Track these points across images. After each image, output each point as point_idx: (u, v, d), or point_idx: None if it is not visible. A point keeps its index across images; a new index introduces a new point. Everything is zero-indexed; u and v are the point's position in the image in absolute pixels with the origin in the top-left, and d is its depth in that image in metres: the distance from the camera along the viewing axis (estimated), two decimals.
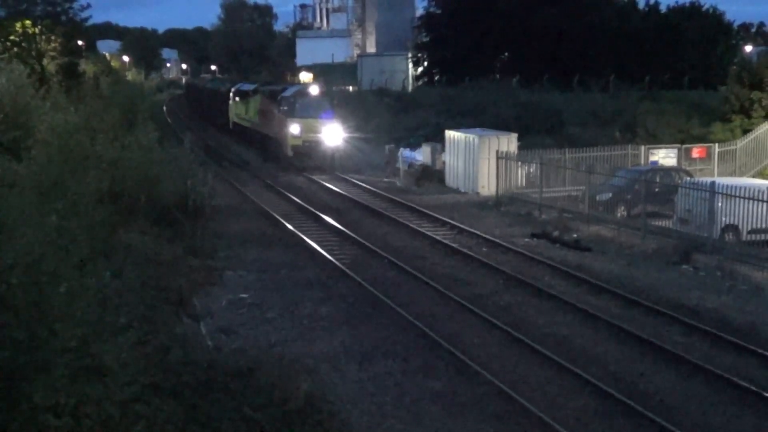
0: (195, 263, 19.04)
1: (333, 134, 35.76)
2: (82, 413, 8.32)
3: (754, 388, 12.24)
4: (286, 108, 36.47)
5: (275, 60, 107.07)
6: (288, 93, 37.81)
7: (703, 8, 67.88)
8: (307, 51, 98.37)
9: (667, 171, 28.57)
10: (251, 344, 14.10)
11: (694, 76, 54.48)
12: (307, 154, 35.96)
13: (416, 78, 73.40)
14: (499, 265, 19.62)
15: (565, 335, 14.92)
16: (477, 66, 61.38)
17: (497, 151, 29.76)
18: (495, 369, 13.03)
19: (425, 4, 73.94)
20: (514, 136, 31.55)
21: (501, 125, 35.21)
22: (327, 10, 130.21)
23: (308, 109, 36.09)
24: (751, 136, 34.44)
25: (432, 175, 33.62)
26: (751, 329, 15.17)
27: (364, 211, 27.29)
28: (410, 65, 75.20)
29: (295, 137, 35.78)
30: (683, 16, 66.58)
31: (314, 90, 38.58)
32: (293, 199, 28.91)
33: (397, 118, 47.98)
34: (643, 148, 32.29)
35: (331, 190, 31.62)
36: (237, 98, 49.11)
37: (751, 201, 20.70)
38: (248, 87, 48.26)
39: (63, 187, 15.65)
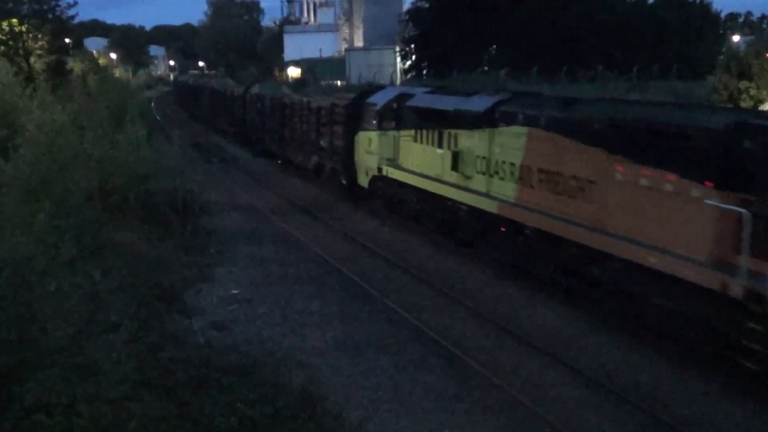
0: (185, 260, 19.03)
1: None
2: (75, 412, 8.30)
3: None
4: None
5: (262, 55, 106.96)
6: None
7: None
8: (294, 46, 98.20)
9: None
10: (243, 340, 14.09)
11: (682, 67, 54.65)
12: None
13: (405, 72, 73.36)
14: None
15: (554, 327, 14.95)
16: (465, 59, 61.39)
17: None
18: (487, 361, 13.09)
19: None
20: None
21: None
22: (314, 4, 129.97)
23: None
24: None
25: None
26: None
27: None
28: (398, 59, 75.16)
29: None
30: (670, 7, 66.81)
31: None
32: None
33: None
34: None
35: None
36: (385, 125, 23.63)
37: None
38: (461, 102, 19.78)
39: (52, 186, 15.59)
